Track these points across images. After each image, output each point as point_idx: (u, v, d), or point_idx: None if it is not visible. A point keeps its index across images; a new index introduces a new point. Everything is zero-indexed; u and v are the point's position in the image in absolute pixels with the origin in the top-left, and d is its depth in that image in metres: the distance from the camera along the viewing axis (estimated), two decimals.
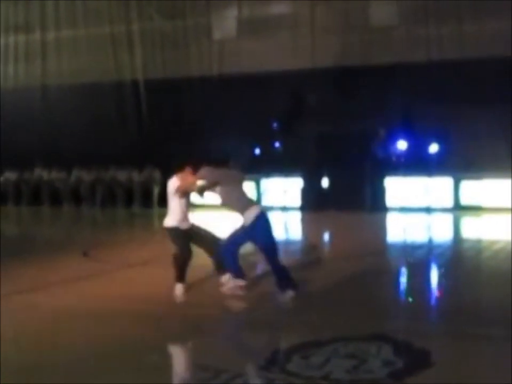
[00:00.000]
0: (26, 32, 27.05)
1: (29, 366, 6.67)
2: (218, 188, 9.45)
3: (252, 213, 9.16)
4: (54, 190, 25.33)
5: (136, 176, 24.08)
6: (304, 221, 21.18)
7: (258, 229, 9.19)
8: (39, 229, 20.47)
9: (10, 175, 26.02)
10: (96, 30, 25.63)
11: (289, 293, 9.23)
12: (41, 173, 25.76)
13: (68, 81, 25.94)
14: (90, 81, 25.28)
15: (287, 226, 20.09)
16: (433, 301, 9.94)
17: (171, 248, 13.56)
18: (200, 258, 10.17)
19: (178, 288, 9.79)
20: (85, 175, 24.98)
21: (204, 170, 9.55)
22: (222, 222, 20.75)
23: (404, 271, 12.30)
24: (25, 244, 15.90)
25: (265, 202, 22.75)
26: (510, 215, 18.16)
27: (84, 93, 25.40)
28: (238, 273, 9.42)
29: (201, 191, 9.56)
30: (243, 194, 9.49)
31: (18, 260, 12.86)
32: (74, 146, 24.40)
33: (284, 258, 9.86)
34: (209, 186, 9.47)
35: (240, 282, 9.42)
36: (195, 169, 9.66)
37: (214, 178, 9.45)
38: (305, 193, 22.24)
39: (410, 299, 9.67)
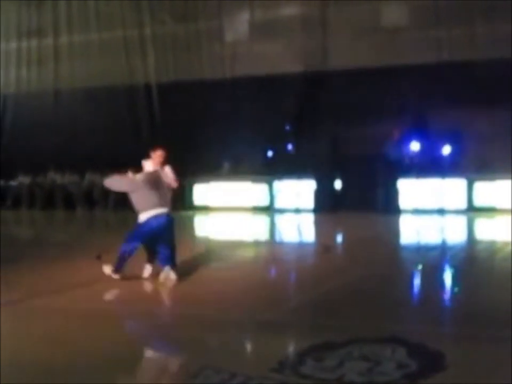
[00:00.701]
0: (39, 37, 27.17)
1: (46, 368, 6.68)
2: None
3: (147, 214, 10.37)
4: (67, 194, 25.42)
5: None
6: (317, 223, 21.15)
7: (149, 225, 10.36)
8: (53, 232, 20.54)
9: (24, 179, 26.13)
10: (108, 34, 25.72)
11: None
12: (54, 177, 25.86)
13: (81, 85, 26.03)
14: (103, 85, 25.35)
15: (300, 229, 20.09)
16: (447, 303, 9.90)
17: (186, 250, 13.63)
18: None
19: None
20: (97, 179, 25.02)
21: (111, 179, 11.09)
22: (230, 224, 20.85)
23: (417, 273, 12.26)
24: (39, 248, 15.94)
25: (278, 204, 22.77)
26: None
27: (96, 96, 25.47)
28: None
29: None
30: (144, 198, 10.49)
31: (32, 264, 12.91)
32: (87, 150, 24.46)
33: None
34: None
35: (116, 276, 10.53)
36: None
37: (118, 186, 11.19)
38: (318, 195, 22.22)
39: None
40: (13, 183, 26.30)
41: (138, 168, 11.49)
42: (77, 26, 26.39)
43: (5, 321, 8.30)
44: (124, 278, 10.78)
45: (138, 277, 10.96)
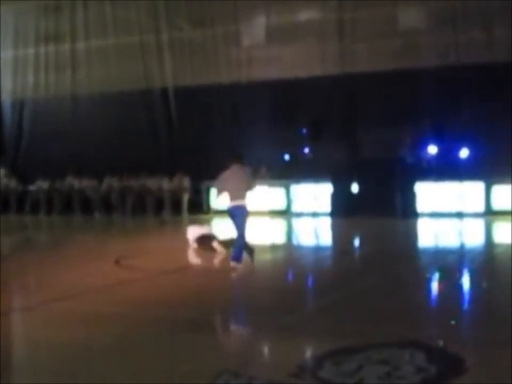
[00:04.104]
0: (56, 43, 27.32)
1: (64, 373, 6.73)
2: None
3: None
4: (85, 198, 25.52)
5: (166, 184, 24.19)
6: (334, 226, 21.13)
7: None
8: (71, 237, 20.64)
9: (42, 184, 26.26)
10: (125, 39, 25.82)
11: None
12: (72, 182, 25.96)
13: (98, 90, 26.16)
14: (120, 90, 25.47)
15: (317, 232, 20.08)
16: (465, 307, 9.87)
17: (200, 255, 13.69)
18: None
19: None
20: (115, 183, 25.13)
21: None
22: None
23: (435, 276, 12.23)
24: (57, 252, 16.04)
25: (295, 208, 22.77)
26: None
27: (114, 101, 25.59)
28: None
29: None
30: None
31: (52, 268, 13.00)
32: (104, 154, 24.57)
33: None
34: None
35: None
36: None
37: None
38: (335, 198, 22.19)
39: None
40: (32, 188, 26.44)
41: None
42: (94, 32, 26.51)
43: (26, 323, 8.38)
44: (143, 280, 10.81)
45: (160, 280, 11.00)
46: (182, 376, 6.52)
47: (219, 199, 13.29)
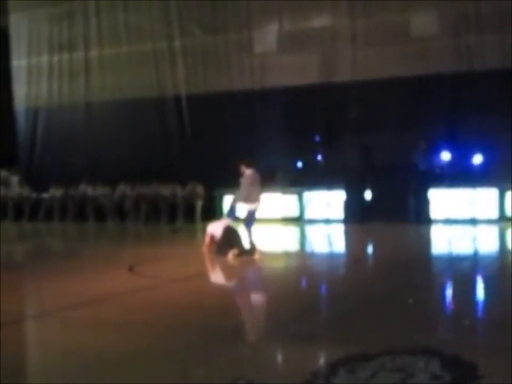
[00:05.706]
0: (70, 50, 27.45)
1: (77, 380, 6.74)
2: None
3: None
4: (98, 206, 25.58)
5: (179, 191, 24.22)
6: (347, 233, 21.10)
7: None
8: (85, 244, 20.70)
9: (56, 192, 26.35)
10: (138, 47, 25.90)
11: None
12: (86, 189, 26.04)
13: (111, 98, 26.24)
14: (133, 98, 25.54)
15: (330, 239, 20.05)
16: (480, 313, 9.83)
17: (214, 262, 13.71)
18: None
19: None
20: (128, 191, 25.18)
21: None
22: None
23: (449, 283, 12.19)
24: (71, 260, 16.08)
25: (308, 215, 22.74)
26: None
27: (127, 109, 25.67)
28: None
29: None
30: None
31: (65, 276, 13.03)
32: (118, 162, 24.64)
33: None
34: None
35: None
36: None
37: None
38: (348, 205, 22.15)
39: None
40: (45, 195, 26.53)
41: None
42: (107, 39, 26.62)
43: (41, 331, 8.40)
44: (157, 288, 10.82)
45: (174, 287, 11.00)
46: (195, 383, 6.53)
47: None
